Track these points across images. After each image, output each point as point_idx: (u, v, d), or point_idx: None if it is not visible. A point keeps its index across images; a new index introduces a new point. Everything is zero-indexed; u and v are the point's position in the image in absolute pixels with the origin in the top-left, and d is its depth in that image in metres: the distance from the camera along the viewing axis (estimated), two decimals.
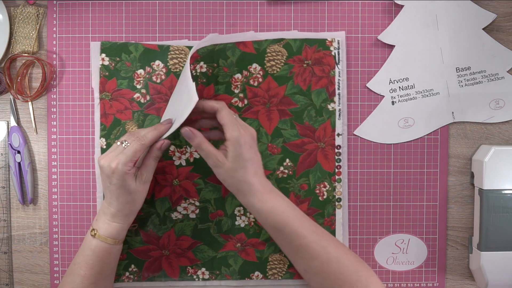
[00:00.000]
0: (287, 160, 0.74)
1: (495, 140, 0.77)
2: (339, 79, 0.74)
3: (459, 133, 0.77)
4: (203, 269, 0.75)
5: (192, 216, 0.74)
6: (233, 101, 0.74)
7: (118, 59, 0.73)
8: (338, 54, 0.74)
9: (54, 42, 0.76)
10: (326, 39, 0.74)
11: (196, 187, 0.74)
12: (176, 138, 0.74)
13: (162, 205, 0.74)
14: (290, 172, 0.74)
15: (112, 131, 0.74)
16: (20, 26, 0.75)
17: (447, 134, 0.76)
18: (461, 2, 0.74)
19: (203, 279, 0.75)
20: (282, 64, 0.73)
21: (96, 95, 0.74)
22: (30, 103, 0.76)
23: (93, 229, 0.67)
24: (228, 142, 0.65)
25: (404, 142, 0.76)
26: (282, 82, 0.74)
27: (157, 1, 0.75)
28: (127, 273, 0.75)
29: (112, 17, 0.75)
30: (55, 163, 0.76)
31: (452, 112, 0.76)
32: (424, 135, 0.76)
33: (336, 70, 0.73)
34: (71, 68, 0.76)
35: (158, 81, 0.73)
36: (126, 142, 0.65)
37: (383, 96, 0.76)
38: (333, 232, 0.75)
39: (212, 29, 0.75)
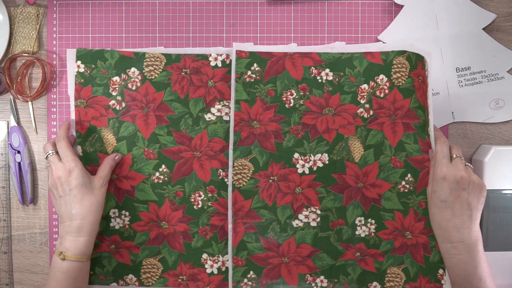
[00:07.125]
0: (409, 175, 0.72)
1: (495, 140, 0.77)
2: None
3: (459, 133, 0.77)
4: (322, 277, 0.74)
5: (313, 224, 0.73)
6: (358, 111, 0.72)
7: (93, 66, 0.73)
8: None
9: (54, 42, 0.76)
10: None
11: (318, 195, 0.73)
12: (300, 146, 0.73)
13: (284, 213, 0.73)
14: (411, 188, 0.72)
15: (87, 138, 0.73)
16: (20, 26, 0.75)
17: (447, 134, 0.76)
18: (461, 2, 0.74)
19: (322, 287, 0.74)
20: (406, 76, 0.72)
21: (72, 102, 0.73)
22: (30, 103, 0.76)
23: (61, 253, 0.65)
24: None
25: None
26: (407, 95, 0.72)
27: (157, 1, 0.75)
28: (246, 280, 0.74)
29: (112, 17, 0.76)
30: None
31: (452, 112, 0.76)
32: None
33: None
34: None
35: (134, 88, 0.73)
36: (50, 151, 0.67)
37: None
38: None
39: (212, 29, 0.75)
